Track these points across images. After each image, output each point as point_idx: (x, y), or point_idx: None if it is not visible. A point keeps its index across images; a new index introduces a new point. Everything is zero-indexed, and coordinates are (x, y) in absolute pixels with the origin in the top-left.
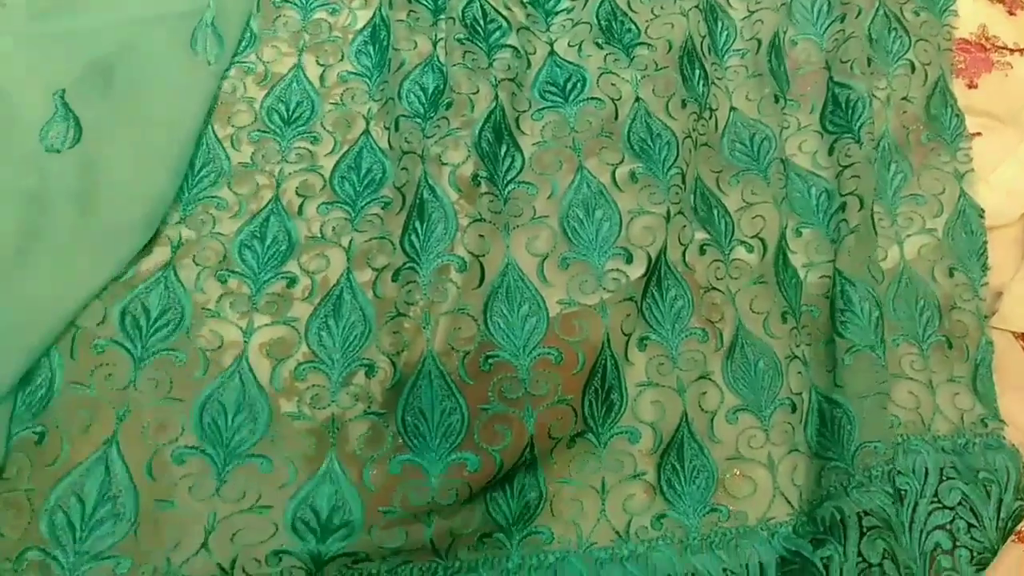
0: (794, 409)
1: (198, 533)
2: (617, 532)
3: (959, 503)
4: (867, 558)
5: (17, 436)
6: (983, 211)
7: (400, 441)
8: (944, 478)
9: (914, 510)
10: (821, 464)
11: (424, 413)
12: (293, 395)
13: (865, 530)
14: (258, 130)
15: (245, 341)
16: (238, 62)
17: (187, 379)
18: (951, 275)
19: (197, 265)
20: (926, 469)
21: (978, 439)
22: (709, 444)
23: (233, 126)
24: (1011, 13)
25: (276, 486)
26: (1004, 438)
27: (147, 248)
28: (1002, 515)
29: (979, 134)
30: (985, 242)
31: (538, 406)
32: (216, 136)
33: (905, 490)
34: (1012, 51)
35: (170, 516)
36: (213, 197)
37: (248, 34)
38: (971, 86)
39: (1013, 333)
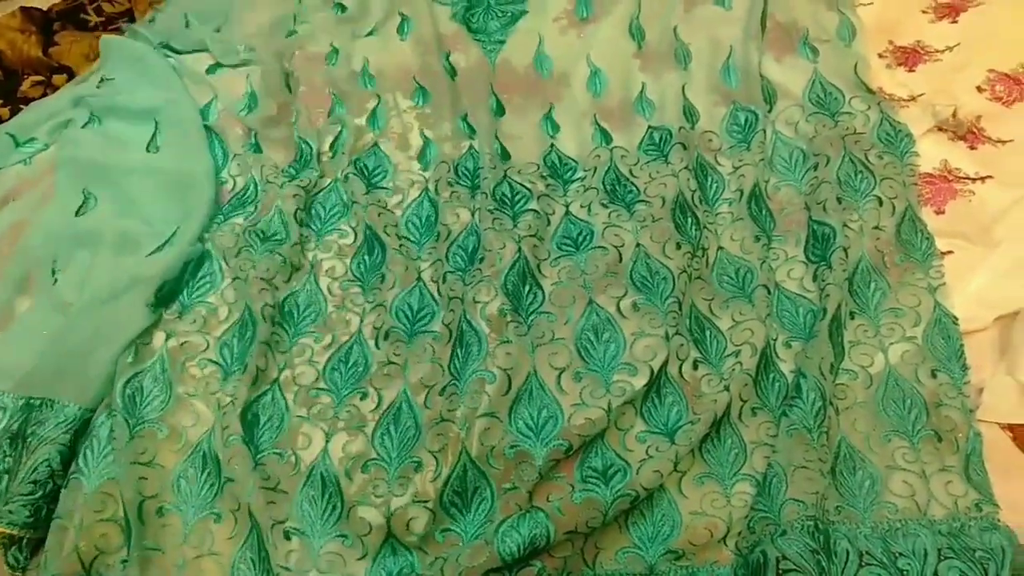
0: (753, 484)
1: None
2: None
3: None
4: None
5: None
6: (956, 319)
7: (442, 517)
8: (942, 558)
9: None
10: (754, 515)
11: (459, 494)
12: (359, 485)
13: (781, 572)
14: (347, 280)
15: (327, 442)
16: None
17: (287, 475)
18: (934, 376)
19: (296, 385)
20: (925, 550)
21: (973, 522)
22: (679, 498)
23: (329, 276)
24: (972, 148)
25: (354, 558)
26: (999, 520)
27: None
28: None
29: (951, 252)
30: (962, 345)
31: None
32: (319, 285)
33: (907, 570)
34: (973, 179)
35: None
36: (312, 332)
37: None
38: (939, 212)
39: (1000, 424)
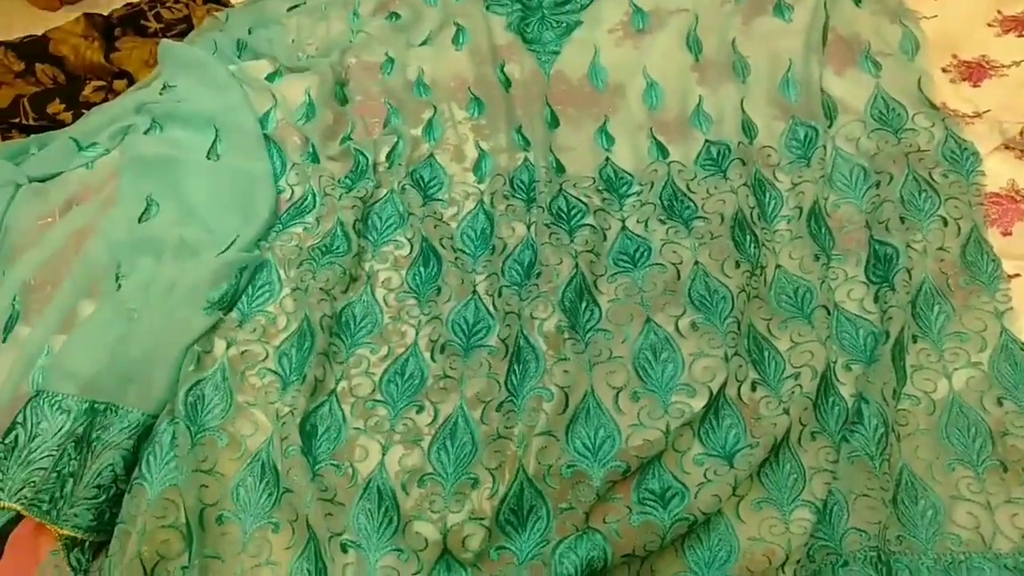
0: (812, 511)
1: None
2: None
3: None
4: None
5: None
6: None
7: (497, 535)
8: None
9: None
10: (813, 543)
11: (515, 513)
12: (416, 500)
13: None
14: (403, 291)
15: (383, 455)
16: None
17: (344, 487)
18: (1000, 404)
19: (353, 396)
20: None
21: None
22: (736, 522)
23: (385, 287)
24: None
25: (410, 572)
26: None
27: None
28: None
29: (1017, 275)
30: None
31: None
32: (375, 296)
33: None
34: None
35: None
36: (369, 344)
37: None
38: (1005, 233)
39: None
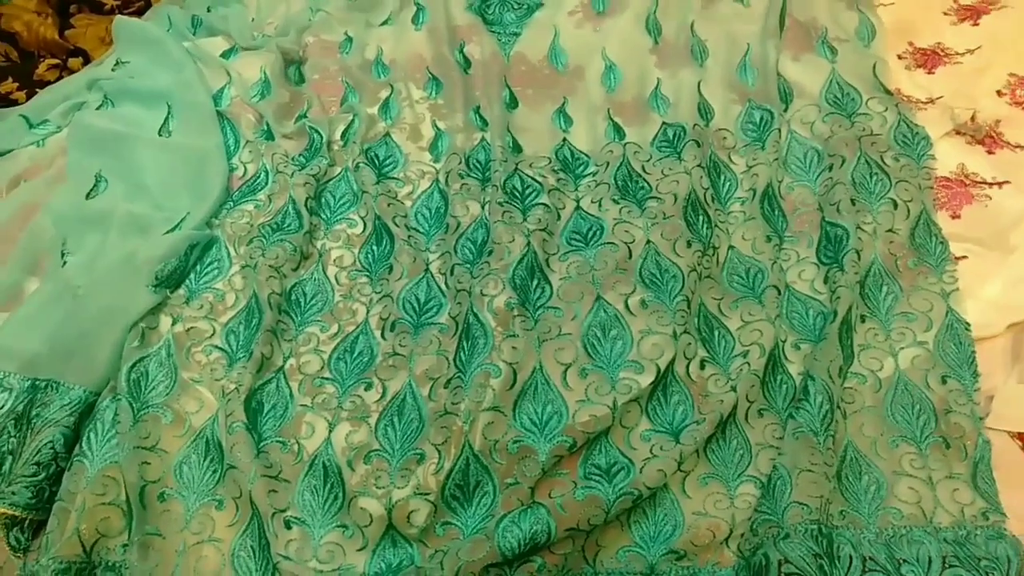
0: (757, 486)
1: None
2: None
3: None
4: None
5: None
6: (969, 325)
7: (443, 511)
8: (947, 566)
9: None
10: (757, 516)
11: (461, 488)
12: (361, 476)
13: (783, 575)
14: (355, 270)
15: (330, 432)
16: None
17: (290, 463)
18: (944, 382)
19: (301, 374)
20: (929, 558)
21: (979, 530)
22: (681, 498)
23: (337, 266)
24: (990, 152)
25: (354, 548)
26: (1005, 529)
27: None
28: None
29: (965, 257)
30: (974, 352)
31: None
32: (327, 274)
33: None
34: (991, 184)
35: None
36: (319, 322)
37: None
38: (954, 216)
39: (1009, 432)
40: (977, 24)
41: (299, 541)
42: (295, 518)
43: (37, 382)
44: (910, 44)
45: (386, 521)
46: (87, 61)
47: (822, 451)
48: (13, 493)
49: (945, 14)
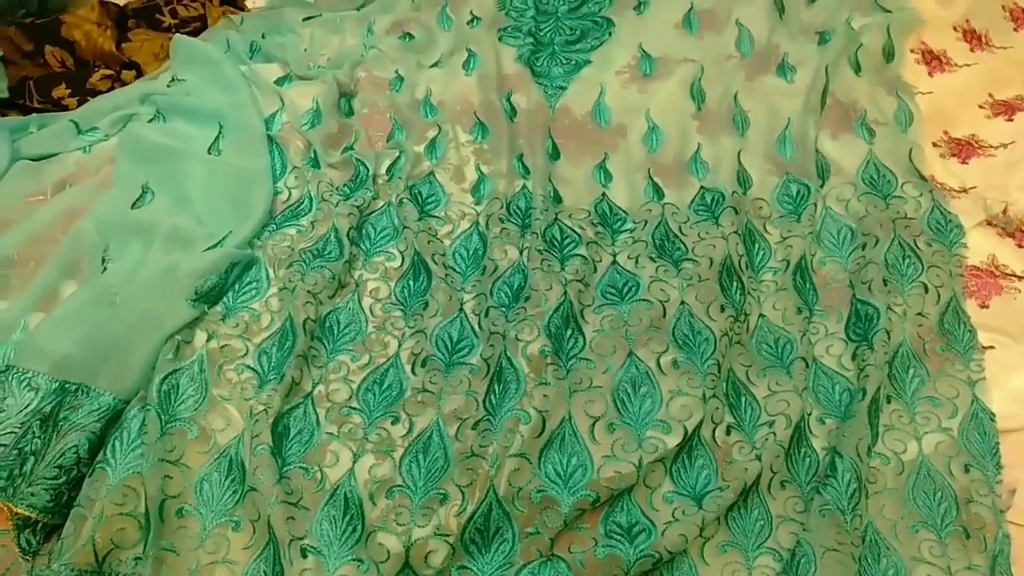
0: (776, 559)
1: None
2: None
3: None
4: None
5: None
6: (994, 415)
7: (461, 554)
8: None
9: None
10: None
11: (481, 532)
12: (382, 511)
13: None
14: (390, 303)
15: (354, 462)
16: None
17: (311, 491)
18: (967, 471)
19: (329, 401)
20: None
21: None
22: (699, 564)
23: (372, 297)
24: (1020, 246)
25: None
26: None
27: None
28: None
29: (992, 347)
30: (998, 443)
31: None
32: (361, 305)
33: None
34: (1020, 278)
35: None
36: (350, 351)
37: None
38: (983, 306)
39: None
40: (1011, 119)
41: (313, 571)
42: (311, 547)
43: (67, 385)
44: (945, 133)
45: (403, 559)
46: (140, 74)
47: (849, 531)
48: (32, 495)
49: (980, 107)
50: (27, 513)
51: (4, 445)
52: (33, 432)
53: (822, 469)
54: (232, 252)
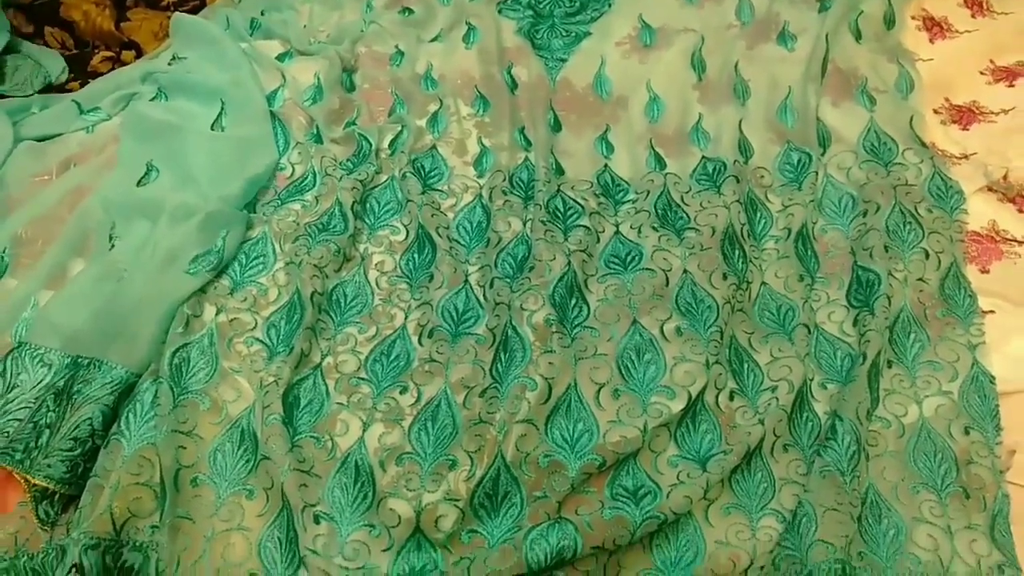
0: (780, 520)
1: None
2: None
3: None
4: None
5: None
6: (994, 378)
7: (470, 518)
8: None
9: None
10: (780, 551)
11: (490, 497)
12: (392, 477)
13: None
14: (396, 275)
15: (363, 431)
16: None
17: (322, 459)
18: (967, 433)
19: (338, 372)
20: None
21: None
22: (704, 526)
23: (378, 270)
24: (1021, 211)
25: (380, 548)
26: None
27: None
28: None
29: (992, 312)
30: (997, 405)
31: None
32: (367, 278)
33: None
34: (1020, 243)
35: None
36: (357, 323)
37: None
38: (983, 271)
39: None
40: (1012, 86)
41: (326, 537)
42: (324, 513)
43: (80, 359)
44: (946, 100)
45: (414, 524)
46: (140, 54)
47: (848, 491)
48: (48, 466)
49: (981, 73)
50: (44, 484)
51: (19, 419)
52: (47, 406)
53: (823, 432)
54: (223, 211)
